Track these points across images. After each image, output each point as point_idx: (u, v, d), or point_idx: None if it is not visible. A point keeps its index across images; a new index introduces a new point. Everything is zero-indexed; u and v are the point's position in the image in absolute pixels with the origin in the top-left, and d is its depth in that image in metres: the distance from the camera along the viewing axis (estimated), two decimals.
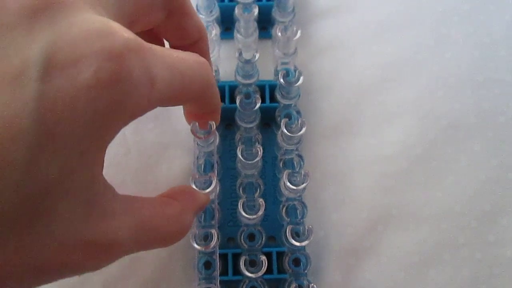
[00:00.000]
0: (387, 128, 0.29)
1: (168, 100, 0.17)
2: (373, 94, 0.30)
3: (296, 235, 0.24)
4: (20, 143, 0.12)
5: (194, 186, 0.22)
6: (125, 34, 0.15)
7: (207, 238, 0.23)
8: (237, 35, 0.27)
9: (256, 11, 0.26)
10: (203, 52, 0.22)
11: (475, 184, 0.28)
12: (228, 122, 0.28)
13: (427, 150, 0.28)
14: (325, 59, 0.31)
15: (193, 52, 0.19)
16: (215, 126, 0.22)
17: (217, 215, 0.24)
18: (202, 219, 0.24)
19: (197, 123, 0.22)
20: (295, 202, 0.25)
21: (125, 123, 0.15)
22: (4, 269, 0.13)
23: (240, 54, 0.25)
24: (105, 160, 0.16)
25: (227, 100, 0.27)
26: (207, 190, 0.22)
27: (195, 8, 0.28)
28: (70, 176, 0.14)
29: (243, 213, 0.23)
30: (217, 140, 0.25)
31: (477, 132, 0.29)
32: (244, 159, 0.24)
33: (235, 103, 0.26)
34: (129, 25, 0.17)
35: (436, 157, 0.28)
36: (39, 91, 0.13)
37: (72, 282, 0.25)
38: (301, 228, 0.24)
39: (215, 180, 0.23)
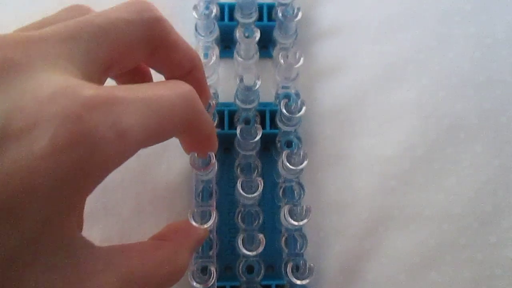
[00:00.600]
0: (388, 129, 0.29)
1: (148, 142, 0.16)
2: (375, 94, 0.29)
3: (296, 269, 0.24)
4: None
5: (193, 221, 0.22)
6: (85, 91, 0.14)
7: (205, 271, 0.23)
8: (237, 57, 0.27)
9: (257, 35, 0.25)
10: (199, 81, 0.21)
11: (476, 185, 0.28)
12: (226, 146, 0.28)
13: (429, 151, 0.28)
14: (327, 58, 0.30)
15: (189, 81, 0.18)
16: (214, 158, 0.22)
17: (215, 247, 0.24)
18: (200, 251, 0.24)
19: (195, 154, 0.22)
20: (295, 233, 0.25)
21: (98, 181, 0.15)
22: None
23: (241, 80, 0.25)
24: None
25: (226, 125, 0.27)
26: (207, 225, 0.22)
27: (193, 29, 0.27)
28: (34, 244, 0.13)
29: (243, 250, 0.22)
30: (216, 168, 0.25)
31: (479, 133, 0.29)
32: (244, 192, 0.23)
33: (234, 128, 0.25)
34: (106, 71, 0.17)
35: (438, 158, 0.28)
36: None
37: None
38: (301, 261, 0.24)
39: (214, 214, 0.22)
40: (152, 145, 0.17)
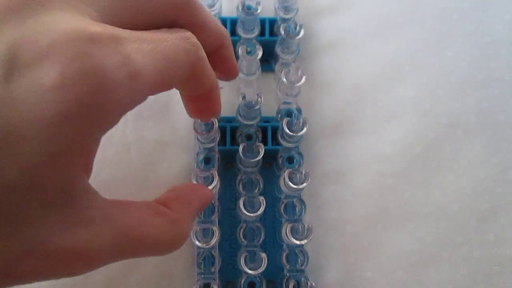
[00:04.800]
0: (386, 127, 0.29)
1: (156, 88, 0.16)
2: (373, 92, 0.30)
3: (297, 286, 0.24)
4: None
5: (195, 182, 0.23)
6: (97, 28, 0.14)
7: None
8: (239, 73, 0.27)
9: (260, 53, 0.26)
10: (225, 58, 0.21)
11: (474, 183, 0.28)
12: (228, 161, 0.28)
13: (427, 149, 0.28)
14: (325, 57, 0.30)
15: (216, 58, 0.19)
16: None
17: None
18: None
19: (199, 120, 0.22)
20: (296, 249, 0.25)
21: (109, 123, 0.15)
22: None
23: (243, 98, 0.25)
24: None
25: (228, 141, 0.27)
26: (209, 187, 0.23)
27: None
28: (38, 180, 0.13)
29: (246, 269, 0.23)
30: (218, 184, 0.25)
31: (477, 131, 0.29)
32: (246, 210, 0.23)
33: (236, 144, 0.25)
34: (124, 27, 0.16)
35: (436, 156, 0.28)
36: (2, 91, 0.13)
37: (74, 280, 0.25)
38: (302, 278, 0.24)
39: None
40: (159, 92, 0.17)
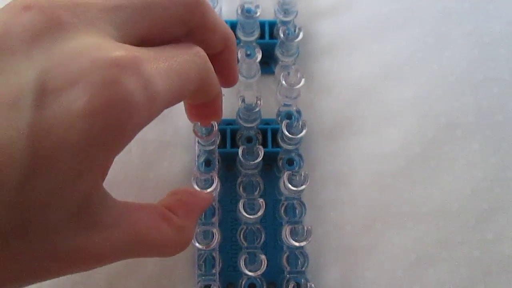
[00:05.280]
0: (386, 127, 0.29)
1: (170, 104, 0.17)
2: (372, 92, 0.30)
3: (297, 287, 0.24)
4: (13, 166, 0.13)
5: (195, 185, 0.23)
6: (121, 52, 0.15)
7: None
8: (239, 76, 0.27)
9: (259, 56, 0.26)
10: (228, 61, 0.21)
11: (473, 183, 0.28)
12: (228, 163, 0.28)
13: (426, 149, 0.28)
14: (324, 59, 0.30)
15: (219, 60, 0.19)
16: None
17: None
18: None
19: (199, 123, 0.22)
20: (297, 251, 0.25)
21: (128, 141, 0.16)
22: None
23: (243, 101, 0.25)
24: None
25: (228, 143, 0.27)
26: (209, 190, 0.23)
27: None
28: (64, 194, 0.14)
29: (246, 270, 0.23)
30: (219, 186, 0.25)
31: (476, 131, 0.29)
32: (246, 213, 0.23)
33: (236, 146, 0.25)
34: (140, 43, 0.17)
35: (435, 155, 0.28)
36: (33, 119, 0.13)
37: (76, 278, 0.26)
38: (302, 279, 0.24)
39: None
40: (172, 106, 0.18)
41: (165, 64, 0.16)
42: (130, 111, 0.15)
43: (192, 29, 0.19)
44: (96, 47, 0.15)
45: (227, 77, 0.22)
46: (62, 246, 0.15)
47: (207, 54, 0.20)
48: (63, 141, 0.14)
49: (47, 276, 0.16)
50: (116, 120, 0.14)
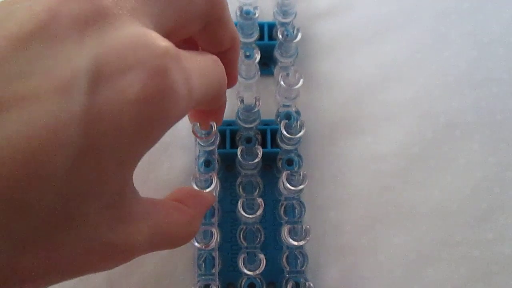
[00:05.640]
0: (385, 127, 0.29)
1: (198, 105, 0.17)
2: (372, 93, 0.30)
3: (297, 287, 0.24)
4: (63, 153, 0.13)
5: (195, 185, 0.23)
6: (166, 43, 0.15)
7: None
8: (239, 77, 0.27)
9: (258, 57, 0.26)
10: (231, 61, 0.22)
11: (472, 183, 0.28)
12: (228, 163, 0.28)
13: (425, 149, 0.29)
14: (323, 59, 0.31)
15: (223, 59, 0.19)
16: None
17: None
18: (203, 268, 0.24)
19: (198, 124, 0.22)
20: (296, 251, 0.25)
21: (164, 132, 0.16)
22: (34, 270, 0.14)
23: (242, 101, 0.25)
24: None
25: (228, 144, 0.27)
26: (208, 190, 0.23)
27: None
28: (105, 184, 0.14)
29: (245, 270, 0.23)
30: (218, 186, 0.25)
31: (475, 131, 0.29)
32: (245, 212, 0.24)
33: (236, 147, 0.26)
34: (166, 36, 0.17)
35: (434, 155, 0.28)
36: (87, 104, 0.13)
37: (75, 279, 0.25)
38: (302, 279, 0.24)
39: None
40: (197, 107, 0.18)
41: (195, 64, 0.17)
42: (174, 101, 0.15)
43: (208, 22, 0.19)
44: (145, 36, 0.15)
45: (228, 78, 0.22)
46: (95, 241, 0.15)
47: (215, 52, 0.20)
48: (114, 127, 0.13)
49: (73, 275, 0.15)
50: (161, 109, 0.14)
